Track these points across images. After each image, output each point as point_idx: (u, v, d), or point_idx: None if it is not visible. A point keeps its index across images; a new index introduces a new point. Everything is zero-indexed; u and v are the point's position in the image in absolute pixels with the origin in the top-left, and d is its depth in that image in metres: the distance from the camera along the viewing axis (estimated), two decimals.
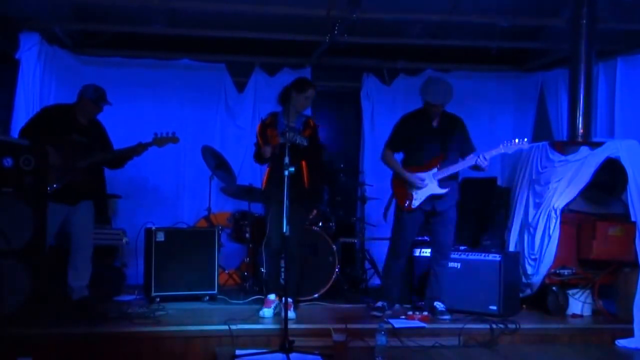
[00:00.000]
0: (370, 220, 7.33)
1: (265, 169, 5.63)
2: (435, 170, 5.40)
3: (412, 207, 5.43)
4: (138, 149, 5.53)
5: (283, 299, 4.93)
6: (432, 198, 5.41)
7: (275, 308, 5.33)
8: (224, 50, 7.88)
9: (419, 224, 5.59)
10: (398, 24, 7.20)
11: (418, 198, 5.42)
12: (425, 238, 6.03)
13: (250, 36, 7.39)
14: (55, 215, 5.25)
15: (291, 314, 5.13)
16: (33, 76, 6.54)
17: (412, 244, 5.76)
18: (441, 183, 5.39)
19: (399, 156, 5.69)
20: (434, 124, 5.50)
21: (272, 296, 5.41)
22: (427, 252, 5.89)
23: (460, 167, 5.42)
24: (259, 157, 5.54)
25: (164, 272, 5.93)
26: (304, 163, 5.33)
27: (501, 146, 5.31)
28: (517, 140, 5.27)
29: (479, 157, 5.28)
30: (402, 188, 5.50)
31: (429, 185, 5.39)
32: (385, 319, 5.12)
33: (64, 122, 5.40)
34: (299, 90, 5.42)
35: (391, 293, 5.69)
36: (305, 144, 5.25)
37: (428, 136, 5.47)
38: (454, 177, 5.52)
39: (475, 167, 5.40)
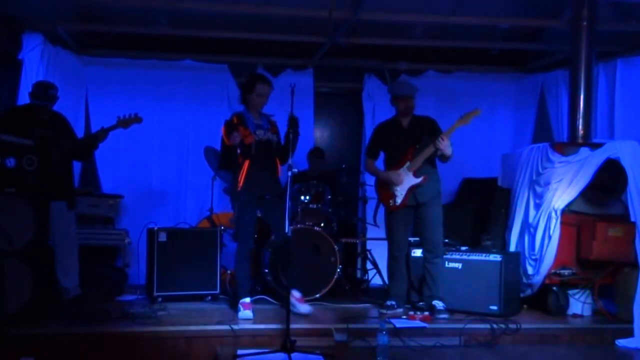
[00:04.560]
0: (372, 221, 7.34)
1: (238, 170, 5.39)
2: (408, 163, 5.58)
3: (397, 203, 5.61)
4: (101, 134, 5.47)
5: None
6: (413, 189, 5.56)
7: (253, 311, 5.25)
8: (227, 51, 7.89)
9: (410, 221, 5.74)
10: (399, 25, 7.22)
11: (399, 194, 5.60)
12: (417, 239, 6.04)
13: (253, 37, 7.41)
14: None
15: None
16: (36, 77, 6.52)
17: (407, 242, 5.85)
18: (417, 173, 5.55)
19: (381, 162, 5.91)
20: (405, 125, 5.72)
21: (247, 299, 5.33)
22: (418, 252, 5.90)
23: (427, 153, 5.51)
24: (226, 161, 5.39)
25: (166, 272, 5.95)
26: (277, 161, 5.41)
27: (457, 121, 5.40)
28: (470, 111, 5.36)
29: (437, 139, 5.38)
30: (385, 190, 5.73)
31: (405, 179, 5.58)
32: (387, 319, 5.14)
33: (25, 120, 5.34)
34: (249, 90, 5.43)
35: (399, 292, 5.76)
36: (276, 140, 5.34)
37: (400, 136, 5.70)
38: (431, 169, 5.65)
39: (442, 157, 5.51)
